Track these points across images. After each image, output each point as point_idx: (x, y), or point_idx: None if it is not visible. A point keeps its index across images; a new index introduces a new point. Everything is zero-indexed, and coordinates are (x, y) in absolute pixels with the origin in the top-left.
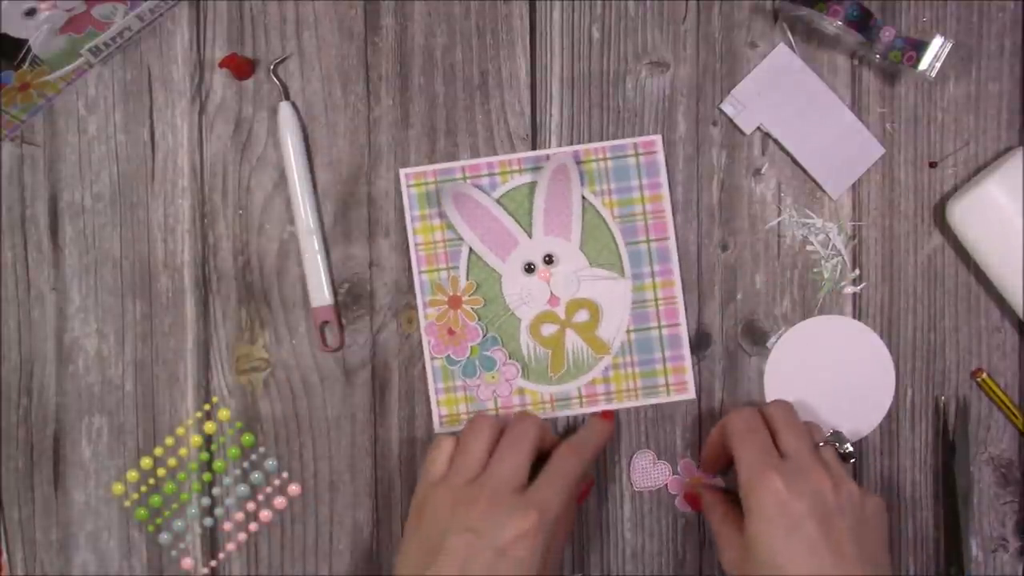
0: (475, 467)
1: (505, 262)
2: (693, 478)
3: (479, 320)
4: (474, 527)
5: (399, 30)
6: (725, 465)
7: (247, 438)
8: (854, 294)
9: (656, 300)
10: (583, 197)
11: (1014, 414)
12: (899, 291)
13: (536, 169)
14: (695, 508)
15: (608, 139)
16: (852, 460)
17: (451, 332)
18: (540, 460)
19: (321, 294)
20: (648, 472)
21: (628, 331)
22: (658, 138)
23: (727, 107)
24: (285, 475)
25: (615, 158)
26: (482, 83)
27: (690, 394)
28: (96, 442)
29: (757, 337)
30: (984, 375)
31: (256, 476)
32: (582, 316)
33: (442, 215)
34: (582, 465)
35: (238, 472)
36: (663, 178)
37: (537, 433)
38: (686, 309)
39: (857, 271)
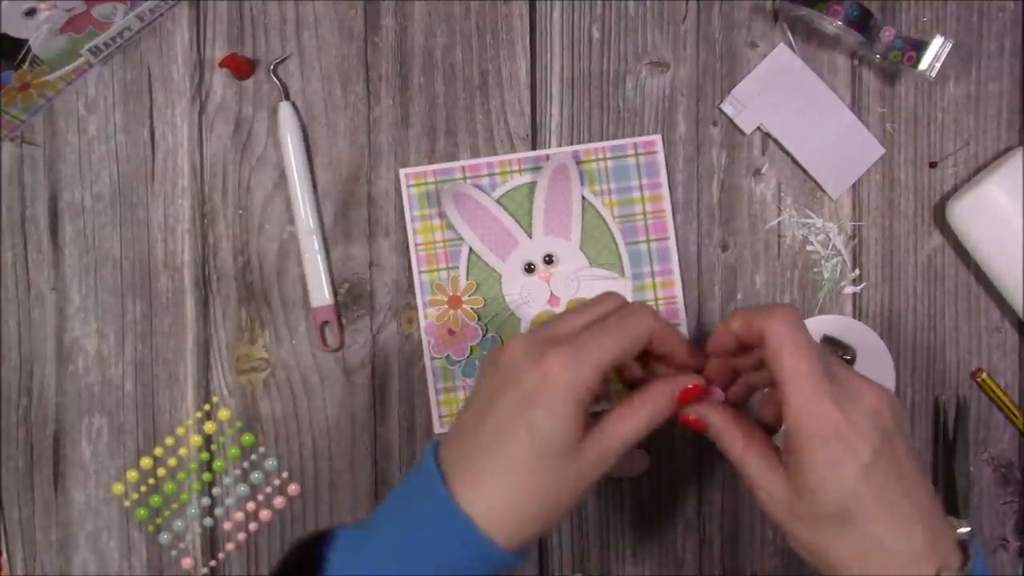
0: (565, 330)
1: (505, 262)
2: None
3: (479, 320)
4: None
5: (399, 30)
6: (735, 354)
7: (247, 438)
8: (854, 294)
9: (656, 300)
10: (583, 197)
11: (1014, 414)
12: (899, 291)
13: (536, 169)
14: (696, 429)
15: (608, 139)
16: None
17: (451, 332)
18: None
19: (321, 294)
20: (627, 459)
21: None
22: (658, 138)
23: (727, 107)
24: (285, 475)
25: (615, 158)
26: (482, 83)
27: None
28: (96, 442)
29: None
30: (984, 375)
31: (256, 476)
32: None
33: (442, 215)
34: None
35: (238, 472)
36: (663, 178)
37: (638, 336)
38: (686, 309)
39: (857, 271)
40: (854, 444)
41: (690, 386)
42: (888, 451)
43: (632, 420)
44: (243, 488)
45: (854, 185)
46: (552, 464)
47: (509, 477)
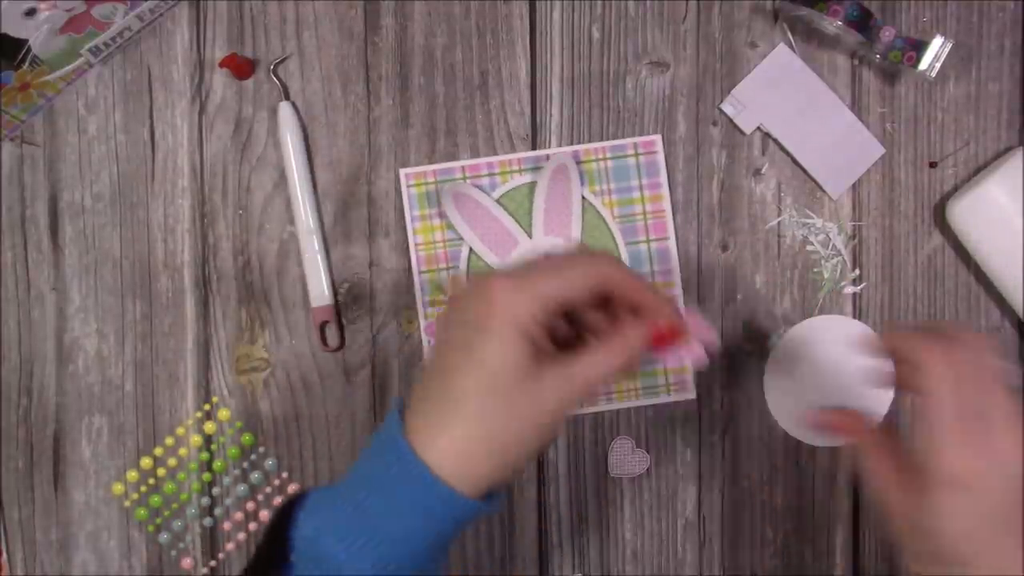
0: (517, 265)
1: (505, 262)
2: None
3: None
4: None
5: (399, 30)
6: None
7: (247, 438)
8: (854, 294)
9: None
10: (583, 197)
11: None
12: (899, 291)
13: (536, 169)
14: (835, 431)
15: (608, 139)
16: None
17: None
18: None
19: (321, 294)
20: (626, 459)
21: None
22: (658, 138)
23: (727, 107)
24: (285, 475)
25: (615, 158)
26: (482, 83)
27: (690, 394)
28: (96, 442)
29: (757, 337)
30: None
31: (256, 476)
32: None
33: (442, 215)
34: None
35: (238, 472)
36: (663, 178)
37: (589, 275)
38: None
39: (857, 271)
40: (979, 494)
41: (663, 324)
42: (1018, 502)
43: (601, 358)
44: (243, 488)
45: (854, 185)
46: (499, 398)
47: (456, 414)
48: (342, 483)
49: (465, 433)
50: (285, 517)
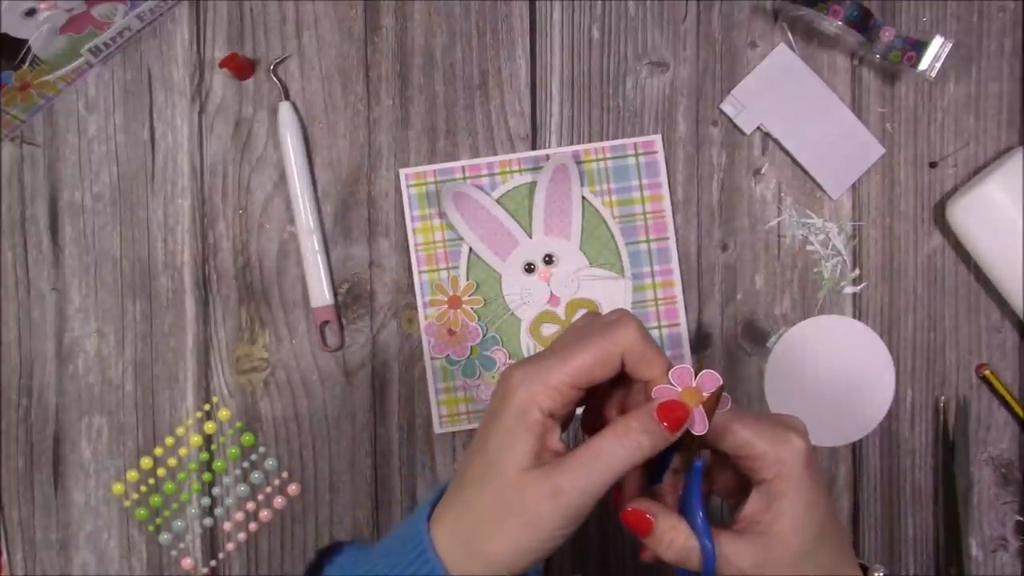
0: (548, 346)
1: (505, 262)
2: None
3: (479, 320)
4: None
5: (399, 30)
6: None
7: (247, 438)
8: (854, 294)
9: (656, 300)
10: (583, 197)
11: (1020, 408)
12: (899, 291)
13: (536, 169)
14: (639, 531)
15: (608, 139)
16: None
17: (451, 332)
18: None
19: (321, 294)
20: None
21: None
22: (658, 138)
23: (727, 107)
24: (285, 475)
25: (615, 158)
26: (482, 83)
27: None
28: (96, 442)
29: (757, 337)
30: (988, 370)
31: (256, 476)
32: None
33: (442, 215)
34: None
35: (238, 472)
36: (663, 178)
37: (605, 353)
38: (686, 309)
39: (857, 271)
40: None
41: (672, 399)
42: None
43: (602, 453)
44: (243, 488)
45: (854, 185)
46: (495, 486)
47: (457, 499)
48: (373, 547)
49: (458, 519)
50: (316, 563)
